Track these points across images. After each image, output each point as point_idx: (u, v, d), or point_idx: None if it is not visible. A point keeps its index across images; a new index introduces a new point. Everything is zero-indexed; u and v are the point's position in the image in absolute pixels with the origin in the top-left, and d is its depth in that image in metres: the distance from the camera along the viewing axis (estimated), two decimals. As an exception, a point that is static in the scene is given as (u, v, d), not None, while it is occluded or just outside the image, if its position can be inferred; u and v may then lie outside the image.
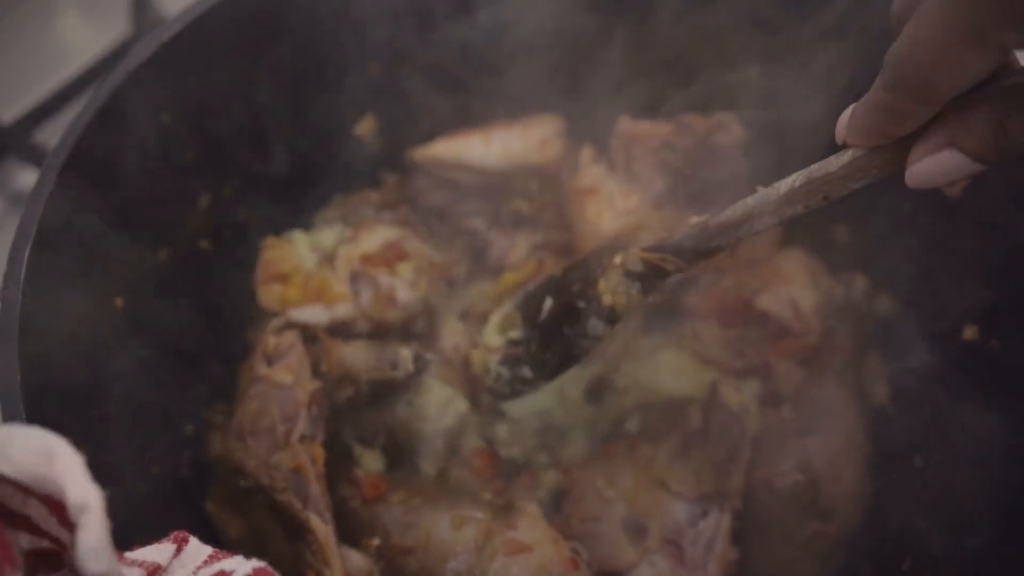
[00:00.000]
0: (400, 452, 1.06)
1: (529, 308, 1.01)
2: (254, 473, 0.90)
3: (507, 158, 1.16)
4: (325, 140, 1.20)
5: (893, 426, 1.03)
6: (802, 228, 1.17)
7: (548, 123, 1.20)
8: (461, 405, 1.07)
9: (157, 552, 0.57)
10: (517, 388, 1.02)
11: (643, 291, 0.91)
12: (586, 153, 1.22)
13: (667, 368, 1.12)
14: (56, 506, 0.48)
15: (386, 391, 1.06)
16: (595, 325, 0.92)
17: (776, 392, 1.05)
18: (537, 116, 1.21)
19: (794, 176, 0.76)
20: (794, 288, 1.10)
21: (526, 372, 1.00)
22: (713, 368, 1.09)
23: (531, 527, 0.93)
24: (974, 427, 0.89)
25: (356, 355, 1.03)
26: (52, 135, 1.51)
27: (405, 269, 1.12)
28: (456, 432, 1.06)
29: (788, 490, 0.95)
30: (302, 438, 0.91)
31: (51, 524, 0.50)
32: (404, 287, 1.09)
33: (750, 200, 0.81)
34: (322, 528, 0.86)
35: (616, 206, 1.17)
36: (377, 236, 1.13)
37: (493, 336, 1.03)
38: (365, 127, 1.23)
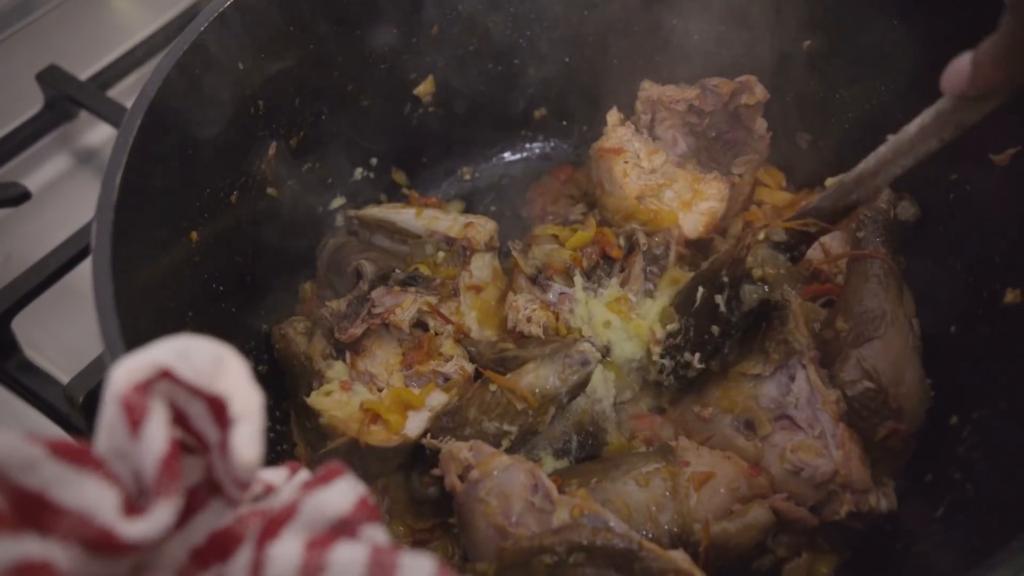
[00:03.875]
0: (594, 439, 1.07)
1: (683, 303, 1.07)
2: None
3: (429, 228, 1.18)
4: (386, 98, 1.25)
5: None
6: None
7: (483, 222, 1.20)
8: (612, 374, 1.10)
9: (274, 474, 0.64)
10: (681, 374, 1.05)
11: (791, 259, 0.97)
12: (613, 114, 1.25)
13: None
14: (217, 406, 0.55)
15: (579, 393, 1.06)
16: (748, 292, 0.96)
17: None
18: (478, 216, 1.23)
19: (923, 114, 0.82)
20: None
21: (687, 356, 1.04)
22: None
23: (699, 456, 0.98)
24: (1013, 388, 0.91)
25: (543, 374, 1.02)
26: (124, 94, 1.59)
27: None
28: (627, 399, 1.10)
29: (859, 397, 0.99)
30: None
31: (205, 422, 0.56)
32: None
33: (882, 148, 0.87)
34: None
35: (642, 165, 1.21)
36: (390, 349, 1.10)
37: (657, 329, 1.09)
38: (425, 87, 1.28)
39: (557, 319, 1.11)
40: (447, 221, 1.19)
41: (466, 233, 1.17)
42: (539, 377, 1.02)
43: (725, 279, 0.99)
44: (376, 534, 0.59)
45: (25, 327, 1.24)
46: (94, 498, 0.50)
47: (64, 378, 1.20)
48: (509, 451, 1.01)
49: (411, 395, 1.03)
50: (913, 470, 0.99)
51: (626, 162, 1.20)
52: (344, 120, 1.21)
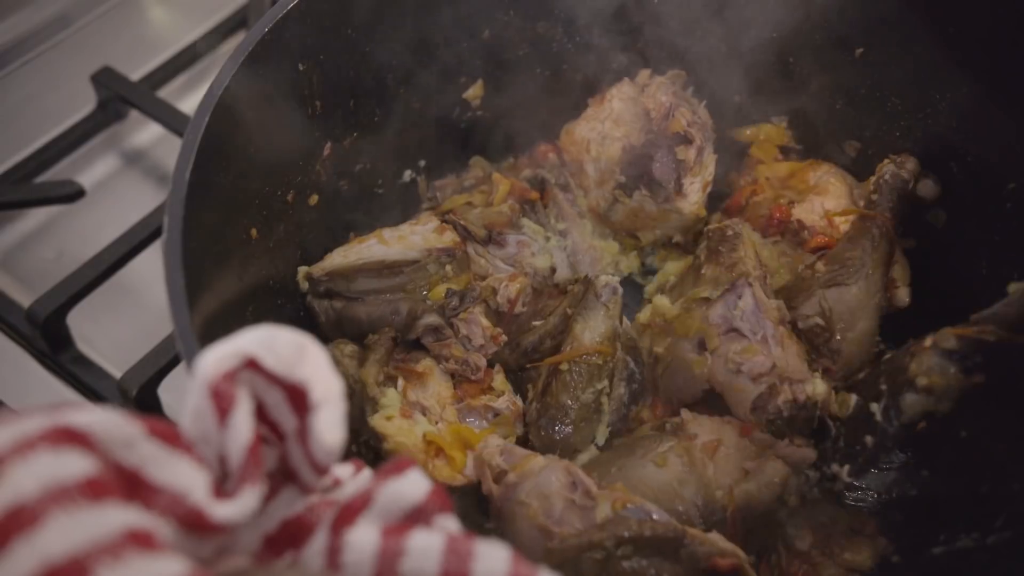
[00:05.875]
0: (636, 351, 1.13)
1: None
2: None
3: (414, 248, 1.12)
4: (436, 101, 1.26)
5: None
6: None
7: (431, 219, 1.18)
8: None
9: (340, 469, 0.65)
10: (827, 487, 1.03)
11: (963, 370, 0.90)
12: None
13: None
14: (295, 394, 0.56)
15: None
16: (911, 402, 0.93)
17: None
18: (420, 215, 1.22)
19: None
20: (827, 199, 1.18)
21: (835, 468, 1.02)
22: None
23: (701, 426, 1.00)
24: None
25: (594, 324, 1.07)
26: (173, 94, 1.62)
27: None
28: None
29: (807, 332, 1.05)
30: None
31: (281, 411, 0.57)
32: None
33: None
34: None
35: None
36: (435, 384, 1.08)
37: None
38: (474, 91, 1.29)
39: (529, 280, 1.13)
40: (424, 234, 1.14)
41: (453, 238, 1.15)
42: (593, 328, 1.07)
43: (883, 387, 0.98)
44: (449, 523, 0.60)
45: (78, 322, 1.26)
46: (187, 479, 0.51)
47: (116, 372, 1.22)
48: (610, 407, 1.06)
49: (472, 433, 1.03)
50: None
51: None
52: (395, 122, 1.22)
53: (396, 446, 0.98)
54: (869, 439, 0.98)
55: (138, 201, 1.47)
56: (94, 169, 1.55)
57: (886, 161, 1.14)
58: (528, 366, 1.10)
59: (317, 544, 0.59)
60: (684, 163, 1.15)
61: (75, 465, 0.46)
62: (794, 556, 1.00)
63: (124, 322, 1.34)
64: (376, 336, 1.06)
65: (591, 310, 1.08)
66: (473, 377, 1.07)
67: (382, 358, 1.05)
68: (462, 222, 1.15)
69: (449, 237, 1.13)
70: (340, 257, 1.10)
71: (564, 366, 1.05)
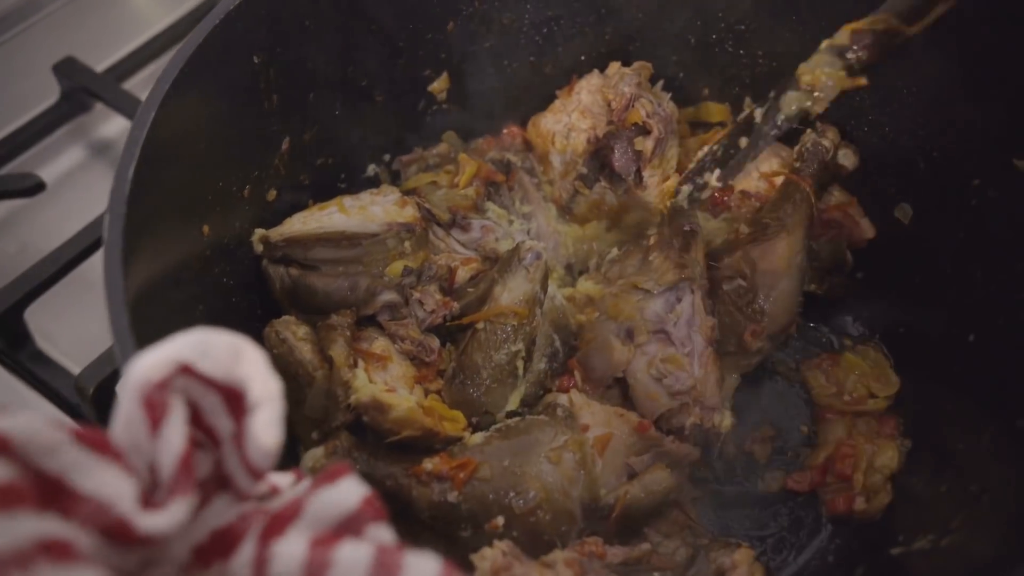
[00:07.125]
0: (566, 329, 1.12)
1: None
2: None
3: (374, 220, 1.09)
4: (400, 94, 1.24)
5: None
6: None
7: (392, 191, 1.16)
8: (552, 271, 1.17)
9: (280, 477, 0.64)
10: (695, 196, 1.12)
11: (846, 67, 0.90)
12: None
13: None
14: (233, 396, 0.55)
15: None
16: (790, 98, 0.94)
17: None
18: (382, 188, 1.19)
19: None
20: (760, 163, 1.20)
21: (707, 177, 1.09)
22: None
23: (594, 416, 1.00)
24: None
25: (514, 286, 1.06)
26: (139, 86, 1.59)
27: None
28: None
29: (731, 293, 1.07)
30: None
31: (217, 415, 0.56)
32: None
33: None
34: None
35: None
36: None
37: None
38: (439, 84, 1.27)
39: (482, 261, 1.14)
40: (385, 206, 1.12)
41: (414, 214, 1.12)
42: (513, 290, 1.06)
43: (772, 94, 0.98)
44: (381, 533, 0.59)
45: (37, 317, 1.24)
46: (113, 488, 0.50)
47: (75, 369, 1.20)
48: (525, 372, 1.05)
49: (454, 412, 1.02)
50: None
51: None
52: (358, 116, 1.20)
53: (407, 412, 0.96)
54: (743, 139, 1.01)
55: (102, 194, 1.41)
56: (58, 162, 1.53)
57: (809, 131, 1.16)
58: (449, 324, 1.09)
59: (245, 554, 0.57)
60: (642, 154, 1.14)
61: (-12, 471, 0.45)
62: None
63: (86, 317, 1.31)
64: (338, 317, 1.04)
65: (512, 273, 1.07)
66: (428, 359, 1.06)
67: (348, 339, 1.03)
68: (426, 205, 1.13)
69: (410, 212, 1.12)
70: (300, 224, 1.08)
71: (480, 325, 1.05)
